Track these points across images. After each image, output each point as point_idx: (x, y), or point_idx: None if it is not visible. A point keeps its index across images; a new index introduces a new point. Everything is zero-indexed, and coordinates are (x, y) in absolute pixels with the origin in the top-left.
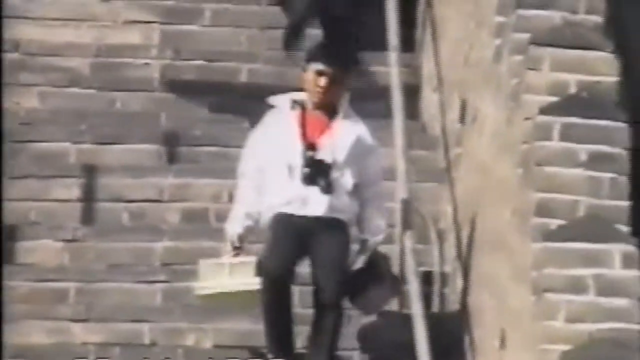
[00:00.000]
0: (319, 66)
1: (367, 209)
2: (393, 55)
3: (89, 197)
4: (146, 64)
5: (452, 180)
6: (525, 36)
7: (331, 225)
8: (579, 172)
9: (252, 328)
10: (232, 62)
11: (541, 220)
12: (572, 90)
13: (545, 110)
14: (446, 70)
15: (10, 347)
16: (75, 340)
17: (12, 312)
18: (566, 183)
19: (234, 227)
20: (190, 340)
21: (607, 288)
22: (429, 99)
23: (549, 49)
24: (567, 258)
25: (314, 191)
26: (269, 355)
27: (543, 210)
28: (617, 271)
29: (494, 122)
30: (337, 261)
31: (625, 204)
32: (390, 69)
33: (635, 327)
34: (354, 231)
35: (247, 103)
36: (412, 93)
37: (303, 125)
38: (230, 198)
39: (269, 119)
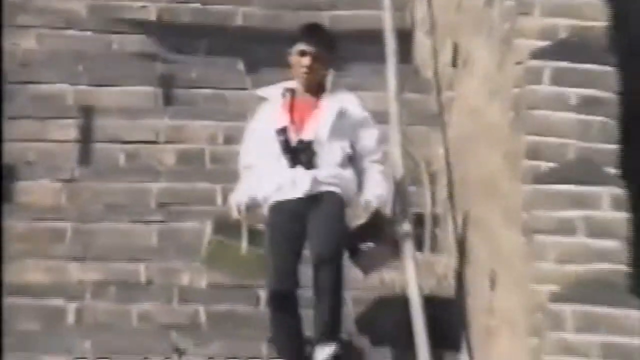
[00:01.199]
0: (302, 46)
1: (365, 177)
2: (387, 1)
3: (86, 138)
4: (143, 6)
5: (444, 123)
6: None
7: (321, 199)
8: (569, 115)
9: None
10: (227, 4)
11: (531, 162)
12: (563, 35)
13: (535, 54)
14: (439, 15)
15: (9, 285)
16: (72, 278)
17: (10, 251)
18: (556, 126)
19: (239, 197)
20: (185, 280)
21: (596, 229)
22: (422, 43)
23: None
24: (556, 200)
25: (299, 171)
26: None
27: (533, 153)
28: (605, 213)
29: (486, 66)
30: (331, 221)
31: (614, 147)
32: (383, 12)
33: (623, 267)
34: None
35: (242, 46)
36: (404, 37)
37: (291, 111)
38: (226, 140)
39: (260, 111)
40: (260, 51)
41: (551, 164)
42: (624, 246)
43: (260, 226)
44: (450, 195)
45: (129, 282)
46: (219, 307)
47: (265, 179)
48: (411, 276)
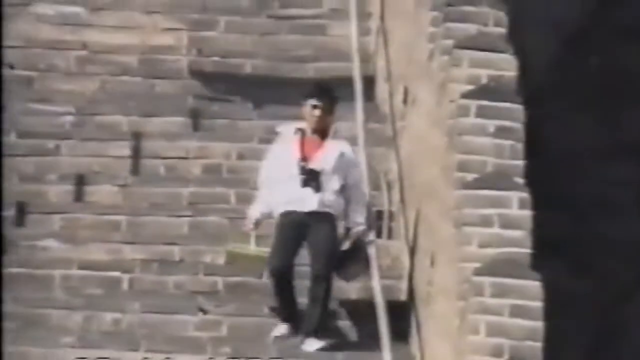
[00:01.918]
0: (314, 101)
1: (350, 207)
2: (355, 56)
3: (136, 155)
4: (177, 59)
5: (397, 145)
6: (451, 42)
7: (322, 218)
8: (488, 140)
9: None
10: (239, 58)
11: (461, 174)
12: (484, 81)
13: (464, 95)
14: (394, 66)
15: (79, 262)
16: (126, 257)
17: (81, 237)
18: (479, 148)
19: (253, 212)
20: (208, 258)
21: (507, 223)
22: (381, 87)
23: (468, 51)
24: (478, 201)
25: (308, 191)
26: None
27: (462, 167)
28: (514, 211)
29: (428, 103)
30: (327, 244)
31: (520, 163)
32: (353, 64)
33: (527, 251)
34: (341, 221)
35: (250, 88)
36: (369, 82)
37: (302, 145)
38: (238, 157)
39: (277, 143)
40: (264, 92)
41: (475, 175)
42: (527, 236)
43: (265, 234)
44: (402, 198)
45: (167, 260)
46: (233, 279)
47: (279, 192)
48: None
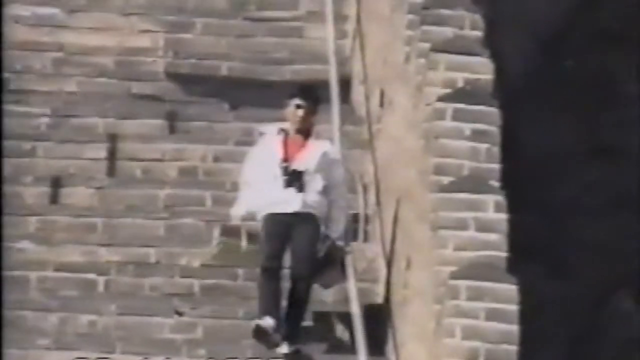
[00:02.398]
0: (298, 101)
1: (332, 210)
2: (332, 59)
3: (112, 157)
4: (154, 61)
5: (374, 148)
6: (427, 45)
7: (306, 219)
8: (464, 143)
9: None
10: (215, 60)
11: (437, 177)
12: (460, 84)
13: (441, 98)
14: (370, 69)
15: (55, 264)
16: (102, 259)
17: (56, 239)
18: (455, 151)
19: (238, 210)
20: (183, 261)
21: (483, 226)
22: (358, 90)
23: (444, 55)
24: (455, 204)
25: (291, 192)
26: (258, 318)
27: (438, 170)
28: (490, 214)
29: (404, 106)
30: (309, 246)
31: (496, 166)
32: (329, 67)
33: (503, 254)
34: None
35: (226, 90)
36: (345, 85)
37: (285, 145)
38: (214, 159)
39: (260, 143)
40: (240, 94)
41: (451, 178)
42: (503, 239)
43: (255, 231)
44: (378, 201)
45: (143, 262)
46: (209, 281)
47: (263, 194)
48: (361, 344)
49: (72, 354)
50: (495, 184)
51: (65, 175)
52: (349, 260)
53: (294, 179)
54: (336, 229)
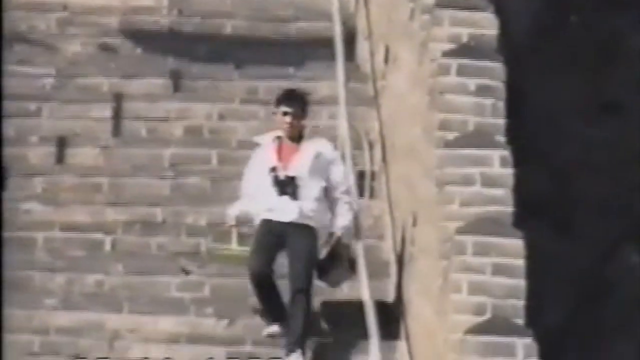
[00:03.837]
0: (284, 108)
1: (336, 207)
2: (336, 16)
3: (117, 116)
4: (158, 20)
5: (379, 105)
6: (431, 1)
7: (302, 230)
8: (469, 98)
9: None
10: (219, 18)
11: (442, 133)
12: (465, 40)
13: (445, 54)
14: (374, 26)
15: (61, 224)
16: (108, 219)
17: (62, 199)
18: (460, 106)
19: (233, 210)
20: (190, 219)
21: (489, 182)
22: (362, 46)
23: (448, 11)
24: (460, 160)
25: (286, 200)
26: (266, 324)
27: (444, 125)
28: (496, 169)
29: (409, 62)
30: (305, 259)
31: (502, 121)
32: (334, 24)
33: (509, 209)
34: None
35: (231, 49)
36: (350, 42)
37: (279, 152)
38: (219, 118)
39: (256, 154)
40: (244, 52)
41: (456, 134)
42: (509, 194)
43: (247, 232)
44: (384, 157)
45: (149, 221)
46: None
47: (260, 202)
48: (367, 300)
49: (79, 313)
50: (501, 138)
51: (71, 135)
52: (359, 250)
53: (286, 185)
54: (341, 225)
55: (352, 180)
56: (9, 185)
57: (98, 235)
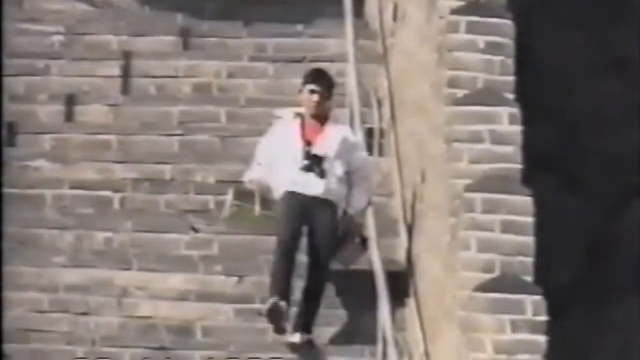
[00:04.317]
0: (312, 86)
1: (353, 189)
2: None
3: (126, 74)
4: None
5: (387, 62)
6: None
7: (325, 204)
8: (478, 56)
9: (242, 168)
10: None
11: (451, 90)
12: None
13: (454, 11)
14: None
15: (70, 182)
16: (117, 176)
17: (71, 157)
18: (469, 64)
19: (251, 175)
20: (198, 177)
21: (497, 139)
22: (371, 3)
23: None
24: (469, 117)
25: (311, 176)
26: (270, 297)
27: (452, 83)
28: (504, 127)
29: (417, 20)
30: (328, 235)
31: (511, 78)
32: None
33: (517, 166)
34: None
35: (239, 6)
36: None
37: (303, 129)
38: (228, 75)
39: (277, 126)
40: (252, 10)
41: (465, 91)
42: (517, 151)
43: (270, 196)
44: (392, 115)
45: (158, 178)
46: (224, 197)
47: (281, 172)
48: (376, 257)
49: (88, 271)
50: (510, 96)
51: (80, 93)
52: (372, 241)
53: (315, 163)
54: (356, 206)
55: (360, 136)
56: (18, 142)
57: (107, 193)
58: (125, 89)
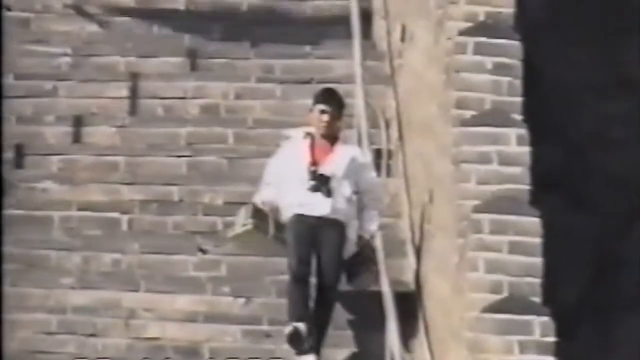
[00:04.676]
0: (323, 107)
1: (365, 212)
2: None
3: (133, 95)
4: None
5: (395, 83)
6: None
7: (332, 224)
8: (486, 76)
9: (251, 190)
10: None
11: (458, 111)
12: (481, 18)
13: (462, 32)
14: (391, 4)
15: (78, 203)
16: (125, 197)
17: (79, 178)
18: (476, 85)
19: (261, 197)
20: (206, 198)
21: (506, 160)
22: (379, 24)
23: None
24: (477, 138)
25: (319, 196)
26: (288, 323)
27: (460, 104)
28: (512, 147)
29: (425, 41)
30: (335, 254)
31: (518, 99)
32: (351, 2)
33: (525, 187)
34: (351, 228)
35: (247, 27)
36: (366, 20)
37: (312, 149)
38: (235, 97)
39: (286, 146)
40: (260, 31)
41: (473, 112)
42: (525, 172)
43: (280, 218)
44: (400, 135)
45: (166, 200)
46: (232, 218)
47: (289, 194)
48: (384, 278)
49: (95, 292)
50: (518, 117)
51: (87, 114)
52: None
53: (322, 183)
54: (370, 229)
55: (369, 157)
56: (25, 164)
57: (114, 214)
58: (133, 110)
